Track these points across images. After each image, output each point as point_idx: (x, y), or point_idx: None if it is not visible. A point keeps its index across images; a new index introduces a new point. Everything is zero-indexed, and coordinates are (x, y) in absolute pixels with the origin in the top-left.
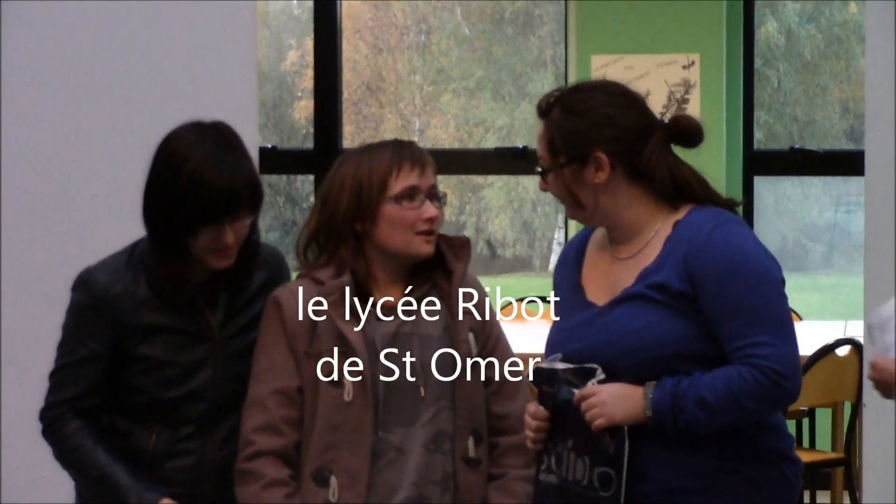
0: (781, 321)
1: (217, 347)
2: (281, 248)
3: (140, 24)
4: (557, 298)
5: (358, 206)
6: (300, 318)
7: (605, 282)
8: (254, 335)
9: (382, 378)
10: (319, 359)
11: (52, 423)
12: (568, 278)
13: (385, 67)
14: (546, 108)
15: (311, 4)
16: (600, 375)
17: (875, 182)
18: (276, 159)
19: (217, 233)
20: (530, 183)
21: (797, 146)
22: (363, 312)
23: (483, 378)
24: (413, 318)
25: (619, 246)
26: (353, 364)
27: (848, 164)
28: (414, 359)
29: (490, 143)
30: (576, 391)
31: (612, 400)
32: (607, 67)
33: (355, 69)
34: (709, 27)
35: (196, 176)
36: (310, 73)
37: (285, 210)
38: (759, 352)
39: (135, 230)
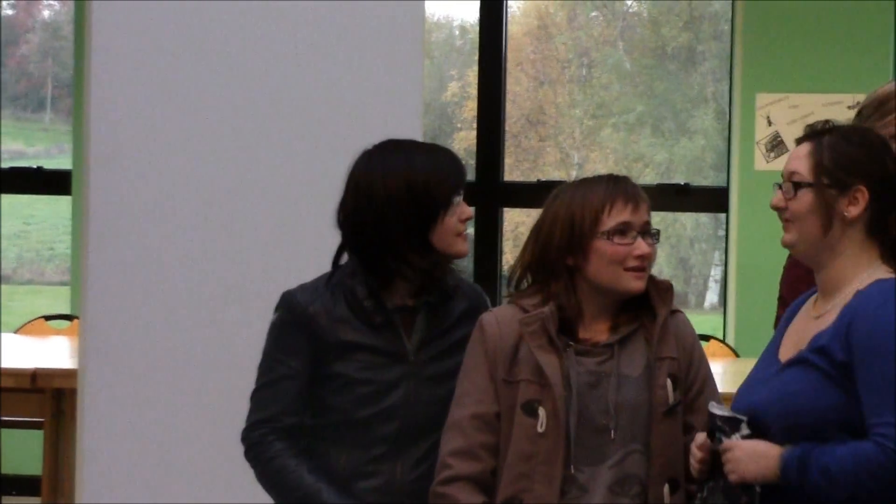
0: None
1: (412, 369)
2: None
3: (307, 54)
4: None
5: (570, 240)
6: (501, 343)
7: (794, 339)
8: (452, 361)
9: (577, 417)
10: (517, 386)
11: (256, 444)
12: (778, 332)
13: (545, 101)
14: (820, 132)
15: (473, 37)
16: (745, 430)
17: None
18: None
19: (459, 209)
20: (688, 220)
21: None
22: (564, 345)
23: (685, 424)
24: (614, 357)
25: (819, 302)
26: (549, 396)
27: None
28: (609, 398)
29: (649, 178)
30: (724, 439)
31: (745, 457)
32: (772, 106)
33: (516, 102)
34: (875, 67)
35: (429, 164)
36: (470, 104)
37: None
38: (886, 431)
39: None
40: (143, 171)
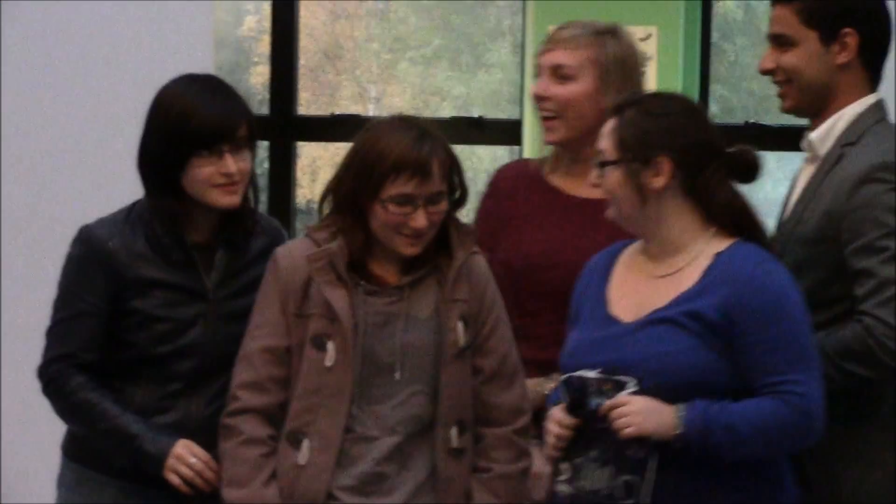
0: (815, 362)
1: (210, 307)
2: None
3: None
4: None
5: (359, 186)
6: (294, 277)
7: (633, 298)
8: (250, 299)
9: (365, 354)
10: (309, 320)
11: (54, 379)
12: (593, 290)
13: (342, 34)
14: (622, 106)
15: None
16: (633, 388)
17: None
18: None
19: (219, 162)
20: (485, 153)
21: (752, 121)
22: (353, 283)
23: (474, 367)
24: (404, 299)
25: (653, 263)
26: (338, 331)
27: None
28: (395, 338)
29: (446, 111)
30: (606, 401)
31: (643, 411)
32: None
33: (313, 35)
34: (665, 1)
35: (191, 105)
36: (266, 38)
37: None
38: (795, 389)
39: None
40: None
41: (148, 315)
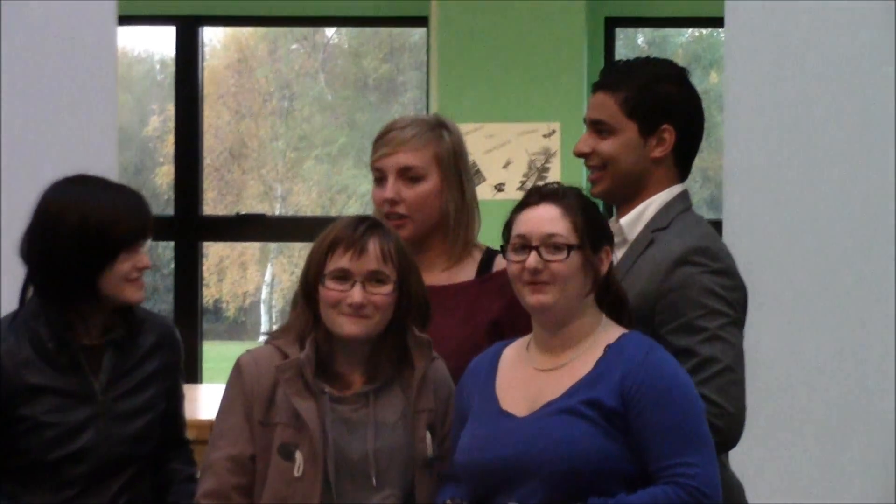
0: (707, 444)
1: (100, 409)
2: None
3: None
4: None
5: (307, 273)
6: (259, 386)
7: (523, 393)
8: (142, 397)
9: (336, 462)
10: (274, 429)
11: None
12: (480, 389)
13: (247, 133)
14: (552, 193)
15: (173, 68)
16: None
17: (733, 249)
18: None
19: (136, 257)
20: None
21: None
22: (319, 391)
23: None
24: (369, 405)
25: (542, 357)
26: (306, 440)
27: None
28: (367, 444)
29: (353, 209)
30: None
31: None
32: (469, 135)
33: (217, 135)
34: (569, 96)
35: (107, 211)
36: (171, 138)
37: (146, 276)
38: (687, 471)
39: None
40: None
41: (37, 421)
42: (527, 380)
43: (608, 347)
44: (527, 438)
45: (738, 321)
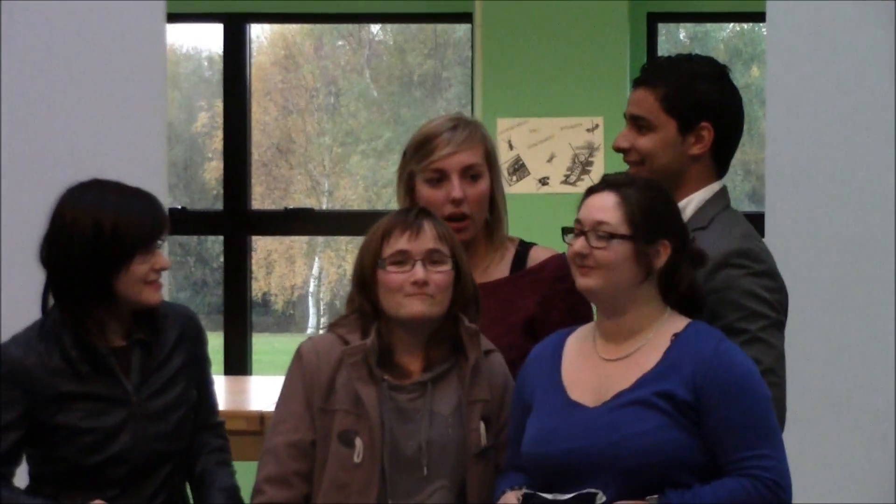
0: (777, 436)
1: (134, 410)
2: (192, 306)
3: (51, 80)
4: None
5: (362, 263)
6: (319, 372)
7: (590, 383)
8: (173, 393)
9: (391, 451)
10: (334, 415)
11: None
12: (545, 378)
13: (294, 129)
14: (619, 183)
15: (221, 65)
16: (602, 499)
17: (775, 243)
18: (186, 220)
19: (153, 259)
20: None
21: None
22: (380, 378)
23: (496, 465)
24: (426, 394)
25: (607, 346)
26: (366, 427)
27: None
28: (421, 434)
29: (398, 204)
30: None
31: None
32: (512, 130)
33: (265, 130)
34: (612, 91)
35: (121, 215)
36: (220, 134)
37: (196, 270)
38: (762, 464)
39: None
40: None
41: (73, 428)
42: (593, 369)
43: (675, 336)
44: (599, 430)
45: (780, 323)
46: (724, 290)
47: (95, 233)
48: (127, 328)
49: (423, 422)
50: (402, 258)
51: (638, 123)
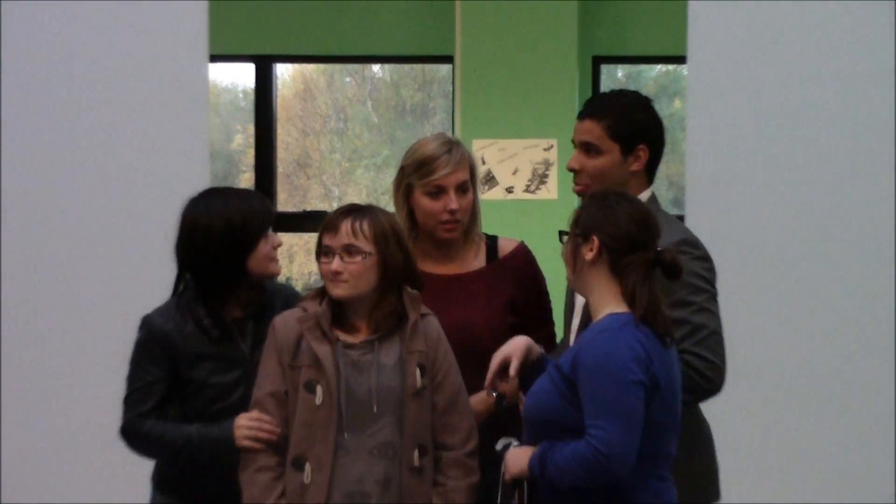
0: (622, 413)
1: (248, 369)
2: None
3: (119, 111)
4: None
5: (317, 258)
6: (286, 338)
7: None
8: None
9: (345, 394)
10: (300, 370)
11: (132, 431)
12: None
13: (311, 148)
14: (588, 198)
15: (253, 96)
16: (514, 444)
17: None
18: None
19: (270, 239)
20: None
21: None
22: (334, 339)
23: (434, 408)
24: (374, 350)
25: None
26: (324, 377)
27: None
28: (371, 381)
29: (391, 207)
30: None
31: (510, 460)
32: (485, 149)
33: (288, 149)
34: (563, 118)
35: (245, 210)
36: (251, 152)
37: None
38: (596, 433)
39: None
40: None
41: (201, 383)
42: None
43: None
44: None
45: (715, 295)
46: None
47: (228, 228)
48: (244, 303)
49: (371, 371)
50: (327, 251)
51: (587, 148)
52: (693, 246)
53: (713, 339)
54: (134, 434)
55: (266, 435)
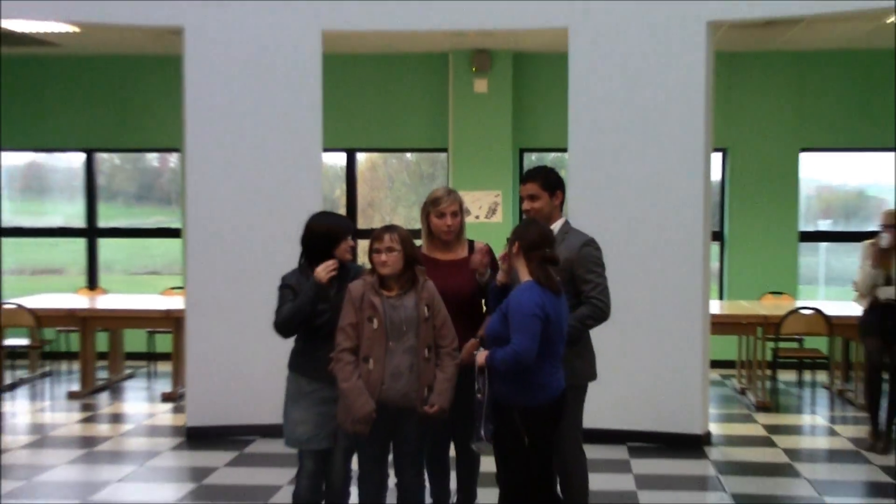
0: (528, 332)
1: (332, 305)
2: None
3: (305, 175)
4: None
5: (370, 254)
6: (356, 294)
7: None
8: (341, 299)
9: (389, 322)
10: (365, 310)
11: (278, 319)
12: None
13: (375, 197)
14: (519, 223)
15: (345, 172)
16: (480, 350)
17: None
18: None
19: (346, 243)
20: None
21: None
22: (379, 294)
23: (433, 327)
24: (402, 299)
25: None
26: (377, 314)
27: None
28: (402, 315)
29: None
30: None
31: (478, 357)
32: (466, 194)
33: (363, 198)
34: (504, 180)
35: (334, 224)
36: (344, 199)
37: None
38: (514, 341)
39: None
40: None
41: (311, 311)
42: None
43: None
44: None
45: (604, 268)
46: (583, 259)
47: (327, 233)
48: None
49: (401, 309)
50: (377, 248)
51: (532, 197)
52: (593, 245)
53: (605, 291)
54: (280, 319)
55: (331, 269)
